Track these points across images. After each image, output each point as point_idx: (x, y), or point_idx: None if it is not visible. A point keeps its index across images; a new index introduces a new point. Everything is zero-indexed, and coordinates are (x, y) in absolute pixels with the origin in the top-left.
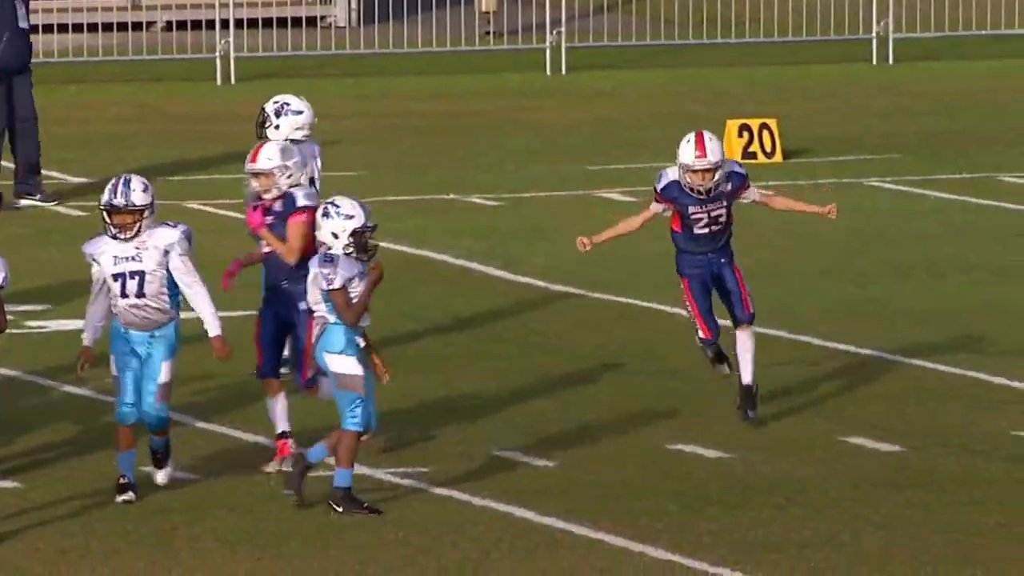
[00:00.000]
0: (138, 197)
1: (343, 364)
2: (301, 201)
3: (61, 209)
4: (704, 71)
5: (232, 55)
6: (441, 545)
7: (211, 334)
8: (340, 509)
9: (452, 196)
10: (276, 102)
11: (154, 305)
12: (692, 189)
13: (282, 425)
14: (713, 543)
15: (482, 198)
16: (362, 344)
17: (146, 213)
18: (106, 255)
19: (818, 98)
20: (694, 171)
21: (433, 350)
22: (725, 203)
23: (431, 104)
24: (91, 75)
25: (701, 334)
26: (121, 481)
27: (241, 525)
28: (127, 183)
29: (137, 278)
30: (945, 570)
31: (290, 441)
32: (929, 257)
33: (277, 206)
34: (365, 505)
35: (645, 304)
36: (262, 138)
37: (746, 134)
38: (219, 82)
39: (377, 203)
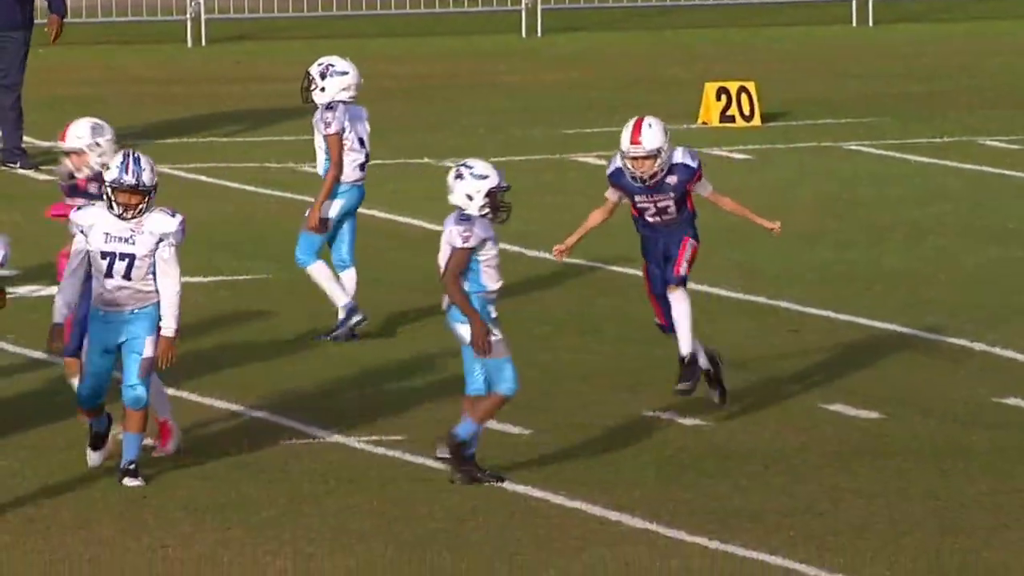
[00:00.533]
0: (147, 177)
1: None
2: None
3: (28, 172)
4: (681, 33)
5: (203, 17)
6: (416, 514)
7: (164, 332)
8: (445, 454)
9: (426, 160)
10: (320, 64)
11: (138, 287)
12: (634, 177)
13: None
14: (691, 512)
15: (456, 162)
16: (494, 314)
17: (152, 194)
18: (97, 229)
19: (797, 61)
20: (631, 158)
21: (408, 316)
22: (671, 195)
23: (405, 67)
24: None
25: (656, 319)
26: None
27: (211, 494)
28: (137, 161)
29: (127, 260)
30: (925, 539)
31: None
32: (907, 221)
33: (92, 188)
34: (465, 466)
35: (623, 270)
36: (307, 101)
37: (724, 97)
38: (189, 44)
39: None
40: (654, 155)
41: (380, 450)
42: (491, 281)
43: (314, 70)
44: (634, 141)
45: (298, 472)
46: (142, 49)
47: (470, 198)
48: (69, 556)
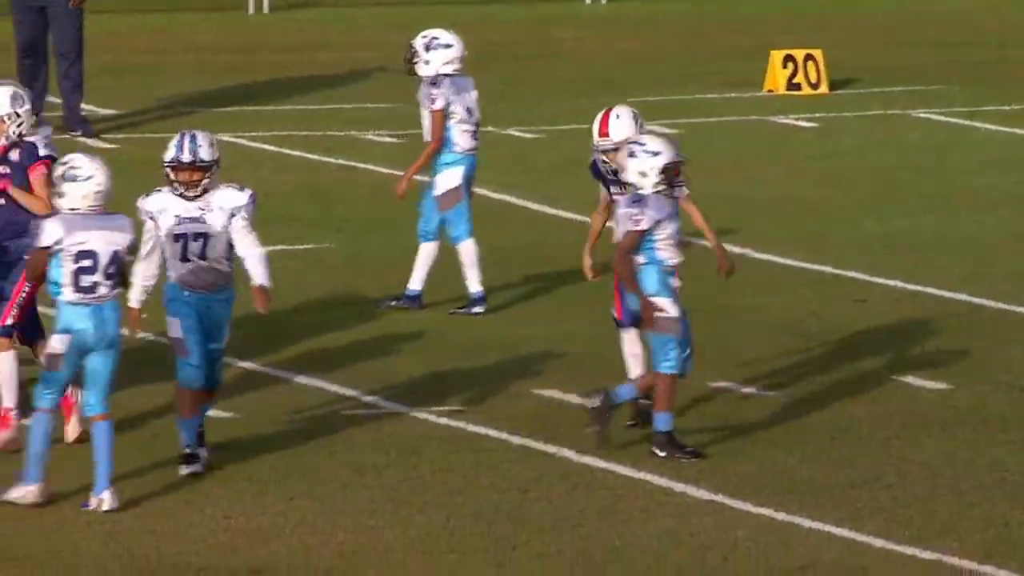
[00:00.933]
0: (205, 152)
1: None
2: (43, 151)
3: (90, 141)
4: (747, 0)
5: None
6: (478, 485)
7: (261, 282)
8: (663, 453)
9: (490, 129)
10: (425, 36)
11: (216, 267)
12: (608, 168)
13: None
14: (757, 483)
15: (520, 131)
16: (677, 284)
17: (213, 169)
18: (167, 213)
19: (865, 28)
20: (601, 150)
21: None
22: None
23: (469, 34)
24: (119, 4)
25: (613, 312)
26: (186, 451)
27: (273, 466)
28: (193, 139)
29: (201, 240)
30: (992, 510)
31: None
32: (976, 189)
33: (13, 155)
34: (688, 449)
35: (691, 240)
36: (411, 74)
37: (791, 64)
38: (251, 11)
39: (415, 136)
40: (623, 146)
41: (443, 421)
42: (670, 256)
43: (418, 43)
44: (602, 133)
45: (360, 443)
46: (204, 17)
47: (644, 175)
48: (131, 528)
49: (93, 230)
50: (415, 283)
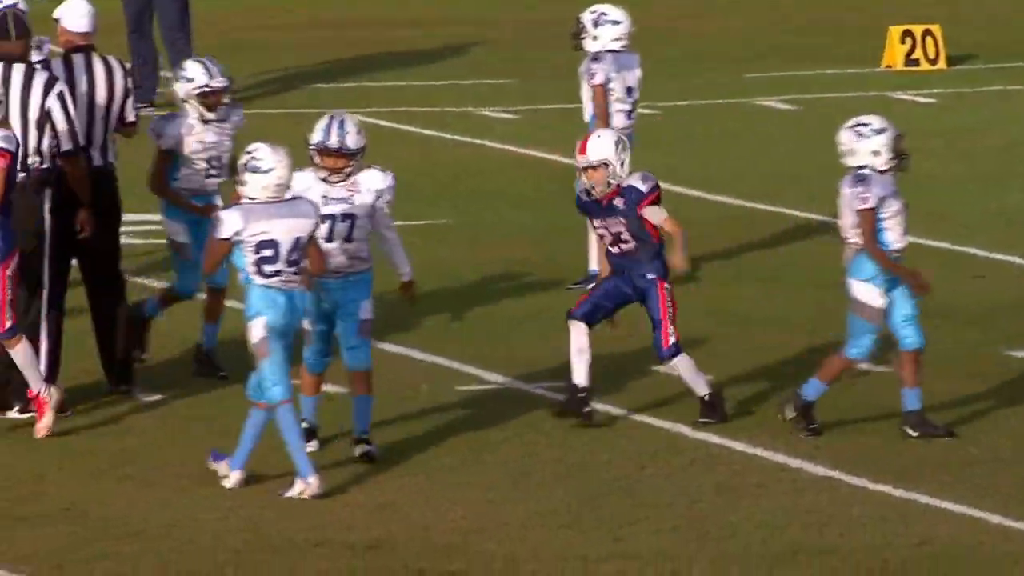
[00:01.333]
0: (352, 140)
1: (866, 292)
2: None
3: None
4: None
5: None
6: (596, 461)
7: (405, 278)
8: (915, 433)
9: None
10: (593, 12)
11: (356, 250)
12: (590, 197)
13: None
14: (874, 459)
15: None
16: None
17: (359, 156)
18: (313, 192)
19: (983, 2)
20: (580, 168)
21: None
22: (622, 220)
23: (581, 8)
24: None
25: (573, 306)
26: (303, 426)
27: (392, 441)
28: (341, 124)
29: (348, 221)
30: None
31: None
32: None
33: None
34: (940, 427)
35: (807, 215)
36: (577, 49)
37: (909, 40)
38: None
39: (528, 111)
40: (594, 166)
41: (560, 397)
42: (895, 238)
43: (586, 17)
44: (580, 151)
45: (478, 419)
46: None
47: (877, 154)
48: (249, 503)
49: (275, 219)
50: (594, 263)
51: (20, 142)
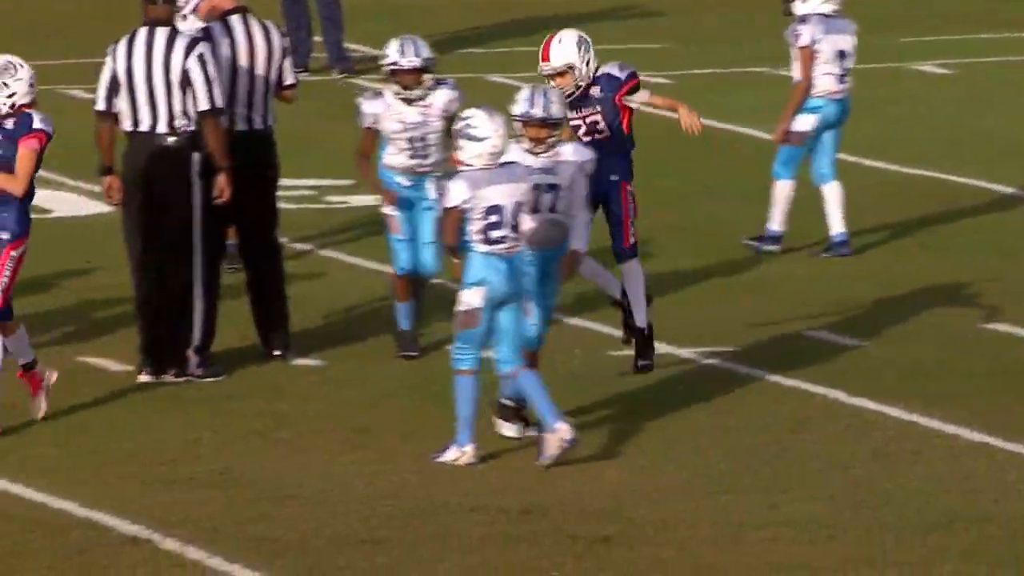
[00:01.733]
0: (556, 109)
1: None
2: (37, 123)
3: (358, 81)
4: None
5: None
6: (750, 426)
7: (575, 246)
8: None
9: (762, 70)
10: None
11: (563, 220)
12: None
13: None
14: None
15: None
16: None
17: (561, 126)
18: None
19: None
20: (545, 75)
21: (736, 227)
22: (598, 109)
23: None
24: None
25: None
26: (507, 403)
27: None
28: (545, 94)
29: (553, 192)
30: None
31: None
32: None
33: (8, 124)
34: None
35: (966, 180)
36: (787, 13)
37: None
38: None
39: (683, 76)
40: (560, 72)
41: (714, 361)
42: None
43: None
44: (543, 59)
45: (631, 383)
46: None
47: None
48: (400, 468)
49: (497, 184)
50: (776, 224)
51: (161, 106)
